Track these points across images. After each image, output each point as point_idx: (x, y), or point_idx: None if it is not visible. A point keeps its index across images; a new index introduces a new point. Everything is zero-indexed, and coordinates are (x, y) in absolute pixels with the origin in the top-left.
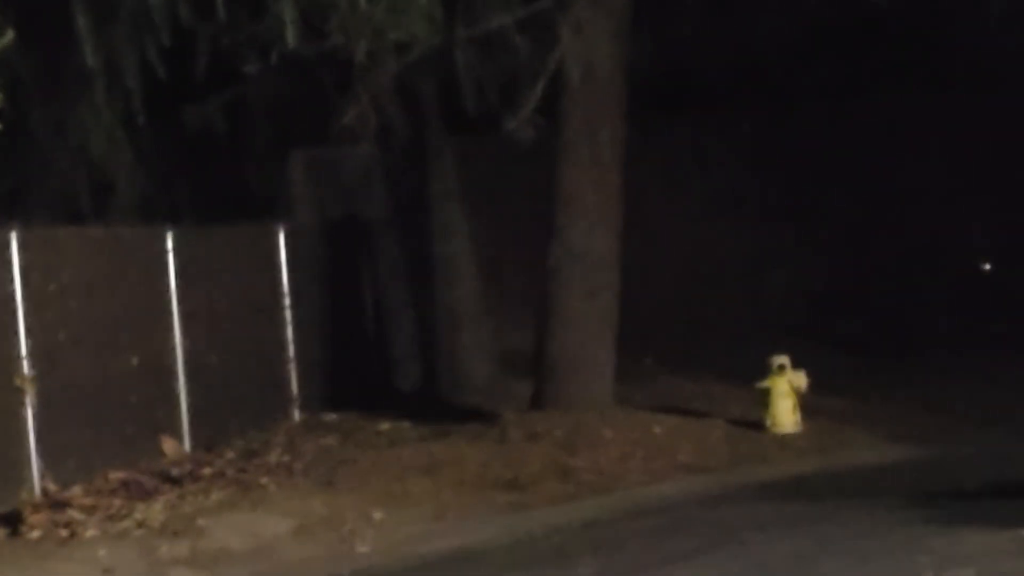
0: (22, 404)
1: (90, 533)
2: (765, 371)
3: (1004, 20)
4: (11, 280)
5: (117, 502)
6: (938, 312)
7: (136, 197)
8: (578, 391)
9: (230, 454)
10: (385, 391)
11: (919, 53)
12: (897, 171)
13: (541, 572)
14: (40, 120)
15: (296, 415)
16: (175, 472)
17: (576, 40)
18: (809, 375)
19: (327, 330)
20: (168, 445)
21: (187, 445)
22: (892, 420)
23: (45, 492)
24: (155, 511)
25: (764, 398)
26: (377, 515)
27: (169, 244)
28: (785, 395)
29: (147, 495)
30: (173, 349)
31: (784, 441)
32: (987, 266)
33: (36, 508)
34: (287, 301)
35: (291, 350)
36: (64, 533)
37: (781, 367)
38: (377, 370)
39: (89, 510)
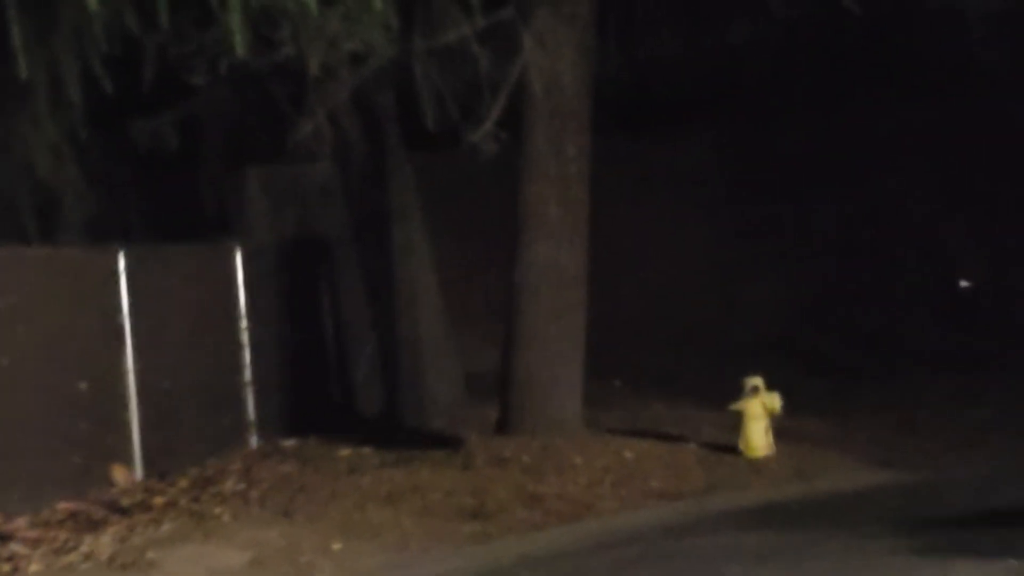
0: None
1: (34, 568)
2: (739, 393)
3: (985, 29)
4: None
5: (63, 534)
6: (920, 331)
7: (85, 216)
8: (545, 414)
9: (184, 482)
10: (346, 415)
11: (900, 64)
12: (878, 185)
13: None
14: None
15: (253, 441)
16: (125, 502)
17: (539, 51)
18: (785, 396)
19: (286, 352)
20: (119, 474)
21: (139, 473)
22: (871, 443)
23: None
24: (103, 543)
25: (737, 421)
26: (336, 546)
27: (120, 264)
28: (758, 418)
29: (95, 526)
30: (124, 373)
31: (759, 466)
32: (965, 283)
33: None
34: (244, 323)
35: (248, 373)
36: (6, 568)
37: (755, 389)
38: (338, 393)
39: (33, 543)
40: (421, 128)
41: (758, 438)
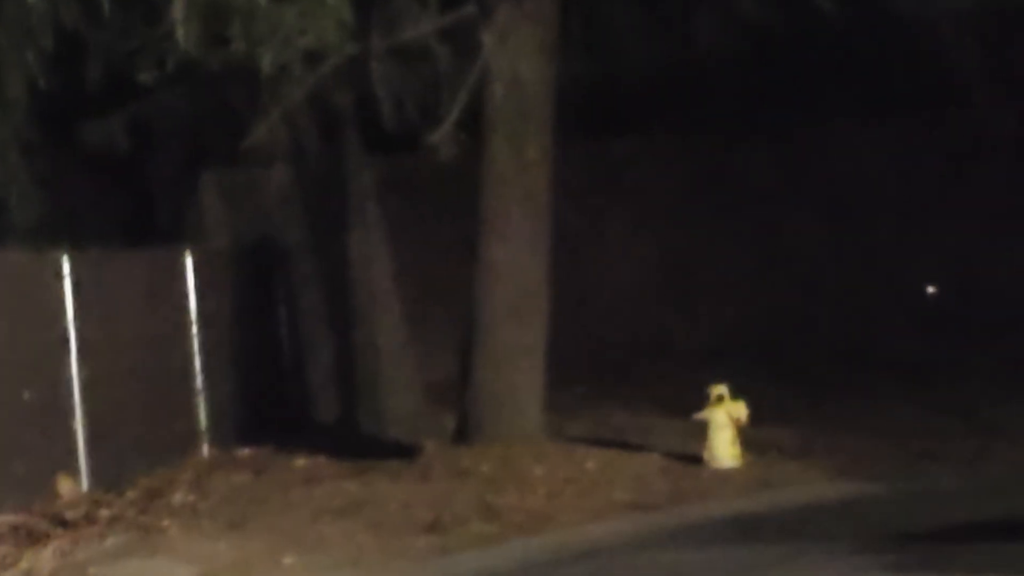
0: None
1: None
2: (703, 401)
3: (955, 44)
4: None
5: (3, 549)
6: (888, 338)
7: (32, 219)
8: (505, 423)
9: (131, 494)
10: (302, 424)
11: (868, 72)
12: (849, 193)
13: None
14: None
15: (205, 450)
16: (70, 515)
17: (500, 50)
18: (751, 405)
19: (240, 360)
20: (64, 485)
21: (85, 484)
22: (840, 453)
23: None
24: (44, 558)
25: (702, 430)
26: (287, 560)
27: (66, 269)
28: (724, 427)
29: (37, 541)
30: (69, 381)
31: (725, 476)
32: (931, 289)
33: None
34: (195, 329)
35: (200, 381)
36: None
37: (720, 397)
38: (294, 402)
39: None
40: (381, 131)
41: (724, 448)
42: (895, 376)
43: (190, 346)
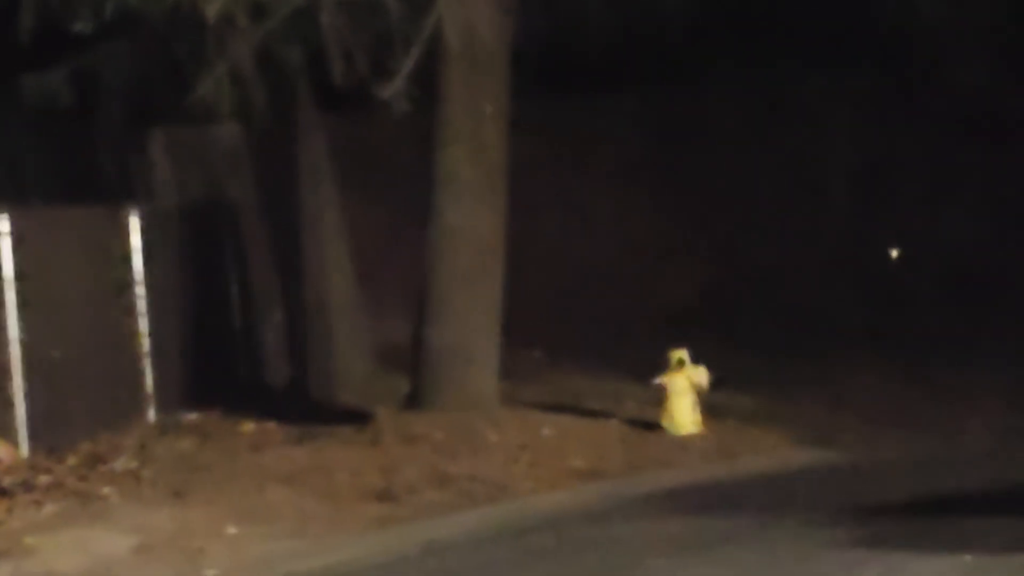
0: None
1: None
2: (663, 366)
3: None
4: None
5: None
6: (849, 305)
7: None
8: (459, 388)
9: (72, 460)
10: (252, 388)
11: (829, 27)
12: (806, 154)
13: None
14: None
15: (152, 415)
16: (7, 481)
17: (455, 2)
18: (711, 371)
19: (188, 322)
20: (2, 451)
21: (25, 450)
22: (802, 421)
23: None
24: None
25: (661, 396)
26: (231, 530)
27: (6, 227)
28: (684, 393)
29: None
30: (7, 344)
31: (684, 443)
32: (895, 252)
33: None
34: (141, 290)
35: (147, 343)
36: None
37: (680, 362)
38: (243, 365)
39: None
40: (333, 87)
41: (684, 414)
42: (857, 343)
43: (137, 307)
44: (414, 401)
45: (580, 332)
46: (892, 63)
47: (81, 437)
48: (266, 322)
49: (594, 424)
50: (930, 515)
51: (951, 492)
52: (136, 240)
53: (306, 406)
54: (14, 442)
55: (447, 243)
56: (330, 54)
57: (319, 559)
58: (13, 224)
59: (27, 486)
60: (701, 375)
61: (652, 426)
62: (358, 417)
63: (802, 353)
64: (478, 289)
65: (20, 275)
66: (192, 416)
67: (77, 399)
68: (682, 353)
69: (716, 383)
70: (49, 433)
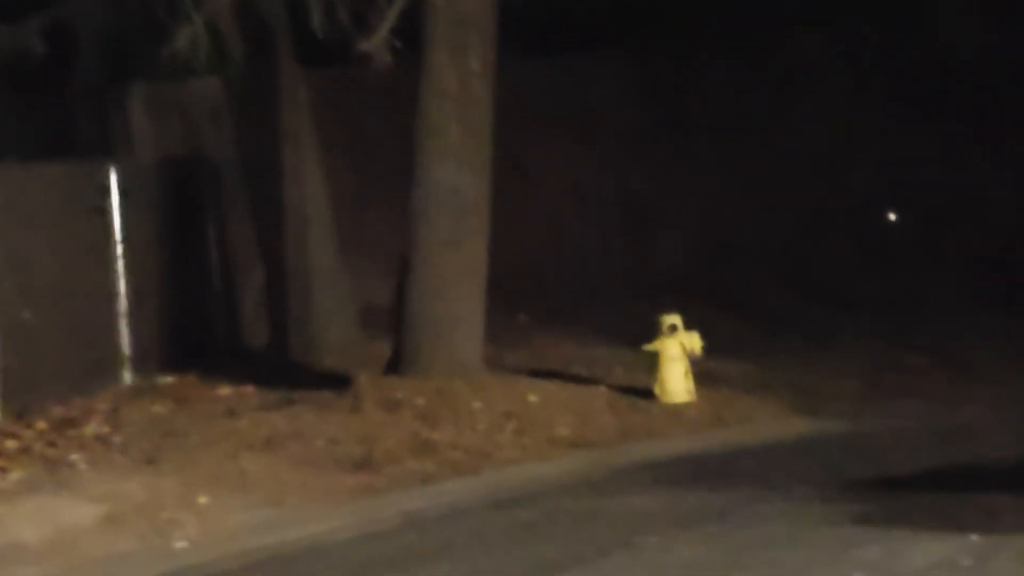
0: None
1: None
2: (654, 331)
3: None
4: None
5: None
6: (843, 270)
7: None
8: (442, 353)
9: (42, 424)
10: (230, 351)
11: None
12: (798, 119)
13: None
14: None
15: (127, 377)
16: None
17: None
18: (705, 338)
19: (166, 282)
20: None
21: None
22: (796, 389)
23: None
24: None
25: (652, 362)
26: (203, 500)
27: None
28: (677, 359)
29: None
30: None
31: (676, 412)
32: (892, 216)
33: None
34: (119, 249)
35: (123, 304)
36: None
37: (672, 327)
38: (222, 327)
39: None
40: (315, 42)
41: (676, 382)
42: (852, 309)
43: (113, 266)
44: (396, 366)
45: (566, 295)
46: (884, 21)
47: (52, 401)
48: (246, 283)
49: (582, 391)
50: (932, 490)
51: (953, 465)
52: (115, 197)
53: (285, 370)
54: None
55: (430, 201)
56: (311, 6)
57: (294, 531)
58: None
59: None
60: (694, 341)
61: (643, 394)
62: (338, 382)
63: (799, 320)
64: (462, 250)
65: None
66: (168, 379)
67: (49, 361)
68: (675, 318)
69: (708, 350)
70: (19, 397)
